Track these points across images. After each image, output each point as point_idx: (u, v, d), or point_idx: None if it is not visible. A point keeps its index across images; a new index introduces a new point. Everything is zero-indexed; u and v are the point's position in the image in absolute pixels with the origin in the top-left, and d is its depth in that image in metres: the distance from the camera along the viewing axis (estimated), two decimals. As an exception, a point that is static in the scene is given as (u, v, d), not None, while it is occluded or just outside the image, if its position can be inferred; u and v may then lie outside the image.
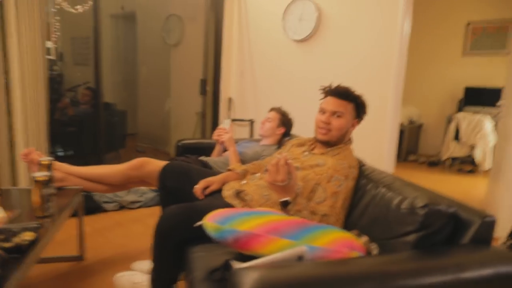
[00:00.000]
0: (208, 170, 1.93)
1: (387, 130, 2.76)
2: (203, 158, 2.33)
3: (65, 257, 2.07)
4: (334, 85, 1.62)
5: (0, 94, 2.39)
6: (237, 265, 1.11)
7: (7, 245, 1.22)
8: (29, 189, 1.92)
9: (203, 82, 3.93)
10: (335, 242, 1.08)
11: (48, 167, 1.74)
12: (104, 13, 3.24)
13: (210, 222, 1.18)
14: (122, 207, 2.91)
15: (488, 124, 4.41)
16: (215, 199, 1.58)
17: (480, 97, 5.13)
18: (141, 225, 2.61)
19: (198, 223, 1.22)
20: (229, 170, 1.82)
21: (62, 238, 2.27)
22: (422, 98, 5.65)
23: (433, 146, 5.59)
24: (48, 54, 3.02)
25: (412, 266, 0.99)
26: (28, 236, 1.31)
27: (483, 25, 5.13)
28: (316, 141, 1.66)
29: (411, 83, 5.03)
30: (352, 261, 1.01)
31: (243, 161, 2.21)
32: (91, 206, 2.75)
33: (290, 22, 3.24)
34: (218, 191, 1.67)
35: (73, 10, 3.18)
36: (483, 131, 4.41)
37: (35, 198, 1.53)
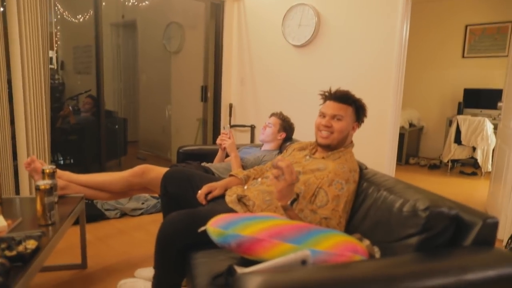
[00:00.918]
0: (210, 176, 1.94)
1: (387, 133, 2.77)
2: (204, 164, 2.34)
3: (68, 265, 2.07)
4: (333, 89, 1.63)
5: (3, 103, 2.41)
6: (240, 270, 1.11)
7: (10, 253, 1.23)
8: (31, 197, 1.93)
9: (204, 89, 3.96)
10: (338, 246, 1.08)
11: (51, 175, 1.75)
12: (105, 21, 3.26)
13: (213, 227, 1.18)
14: (123, 214, 2.91)
15: (488, 126, 4.41)
16: (218, 205, 1.59)
17: (479, 99, 5.14)
18: (143, 232, 2.61)
19: (202, 228, 1.22)
20: (231, 175, 1.83)
21: (65, 246, 2.27)
22: (422, 101, 5.67)
23: (434, 149, 5.59)
24: (50, 63, 3.04)
25: (415, 268, 0.99)
26: (31, 244, 1.31)
27: (482, 27, 5.15)
28: (317, 145, 1.67)
29: (411, 86, 5.06)
30: (356, 264, 1.01)
31: (244, 167, 2.22)
32: (93, 214, 2.76)
33: (290, 28, 3.27)
34: (221, 196, 1.68)
35: (74, 20, 3.21)
36: (484, 133, 4.41)
37: (38, 206, 1.54)
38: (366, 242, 1.22)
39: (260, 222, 1.16)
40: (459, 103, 5.24)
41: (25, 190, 2.55)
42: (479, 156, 4.53)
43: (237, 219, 1.19)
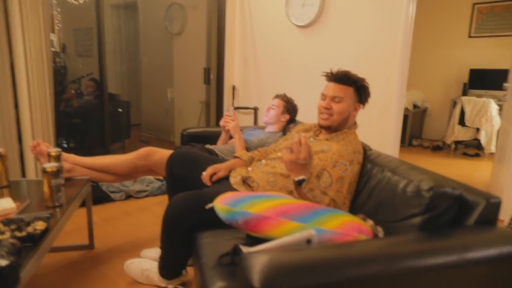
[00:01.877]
0: (215, 158, 1.95)
1: (392, 115, 2.75)
2: (208, 146, 2.35)
3: (76, 246, 2.11)
4: (334, 70, 1.62)
5: (7, 87, 2.41)
6: (246, 249, 1.13)
7: (20, 234, 1.25)
8: (38, 180, 1.96)
9: (207, 71, 3.93)
10: (343, 226, 1.10)
11: (57, 158, 1.76)
12: (105, 3, 3.22)
13: (221, 204, 1.20)
14: (128, 196, 2.94)
15: (493, 107, 4.38)
16: (223, 186, 1.60)
17: (485, 80, 5.08)
18: (148, 213, 2.65)
19: (209, 205, 1.24)
20: (236, 157, 1.84)
21: (72, 228, 2.32)
22: (427, 81, 5.61)
23: (438, 130, 5.56)
24: (52, 46, 3.02)
25: (418, 247, 1.01)
26: (40, 225, 1.34)
27: (490, 5, 5.04)
28: (320, 126, 1.67)
29: (416, 67, 4.99)
30: (360, 243, 1.02)
31: (248, 149, 2.22)
32: (99, 196, 2.79)
33: (293, 8, 3.21)
34: (225, 178, 1.69)
35: (74, 2, 3.16)
36: (488, 114, 4.38)
37: (45, 188, 1.56)
38: (370, 222, 1.23)
39: (267, 200, 1.18)
40: (464, 84, 5.18)
41: (31, 173, 2.58)
42: (482, 137, 4.51)
43: (244, 197, 1.21)
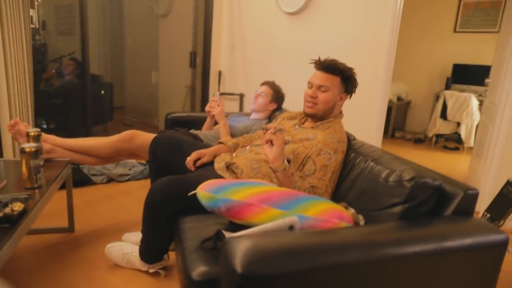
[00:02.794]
0: (199, 143, 1.93)
1: (376, 105, 2.78)
2: (193, 131, 2.33)
3: (55, 229, 2.07)
4: (323, 58, 1.61)
5: (-18, 63, 2.31)
6: (228, 234, 1.13)
7: (-4, 215, 1.22)
8: (15, 160, 1.90)
9: (193, 55, 3.86)
10: (325, 213, 1.11)
11: (36, 138, 1.72)
12: (89, -21, 3.10)
13: (203, 191, 1.20)
14: (110, 180, 2.90)
15: (474, 102, 4.48)
16: (207, 171, 1.59)
17: (467, 75, 5.18)
18: (130, 197, 2.62)
19: (192, 192, 1.23)
20: (220, 143, 1.83)
21: (52, 210, 2.27)
22: (411, 75, 5.68)
23: (420, 123, 5.67)
24: (31, 22, 2.90)
25: (397, 235, 1.03)
26: (17, 206, 1.31)
27: (476, 0, 5.10)
28: (305, 114, 1.68)
29: (401, 59, 5.04)
30: (341, 230, 1.04)
31: (233, 135, 2.22)
32: (80, 179, 2.74)
33: (282, -6, 3.17)
34: (209, 163, 1.68)
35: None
36: (469, 109, 4.49)
37: (24, 169, 1.52)
38: (352, 210, 1.25)
39: (250, 187, 1.18)
40: (447, 78, 5.27)
41: (9, 153, 2.50)
42: (462, 131, 4.62)
43: (227, 184, 1.21)
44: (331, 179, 1.48)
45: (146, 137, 2.09)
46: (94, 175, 2.85)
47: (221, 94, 3.68)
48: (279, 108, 2.45)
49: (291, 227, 1.01)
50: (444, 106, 4.68)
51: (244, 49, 3.60)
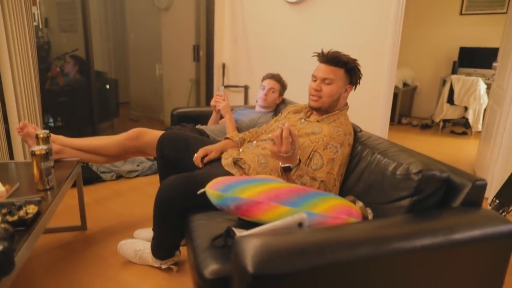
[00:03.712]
0: (206, 139, 1.94)
1: (382, 92, 2.76)
2: (199, 126, 2.34)
3: (68, 227, 2.11)
4: (326, 50, 1.60)
5: (-12, 66, 2.33)
6: (238, 232, 1.15)
7: (11, 219, 1.25)
8: (26, 162, 1.93)
9: (196, 48, 3.85)
10: (333, 209, 1.12)
11: (46, 140, 1.74)
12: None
13: (213, 189, 1.21)
14: (119, 176, 2.94)
15: (481, 86, 4.42)
16: (214, 168, 1.61)
17: (474, 58, 5.10)
18: (140, 193, 2.65)
19: (201, 191, 1.25)
20: (227, 138, 1.84)
21: (64, 209, 2.32)
22: (417, 59, 5.60)
23: (427, 109, 5.62)
24: (34, 20, 2.90)
25: (405, 229, 1.04)
26: (31, 209, 1.33)
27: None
28: (310, 108, 1.68)
29: (406, 44, 4.97)
30: (350, 226, 1.05)
31: (239, 129, 2.22)
32: (89, 177, 2.78)
33: (284, -16, 3.13)
34: (217, 159, 1.70)
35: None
36: (476, 93, 4.43)
37: (35, 172, 1.54)
38: (360, 203, 1.26)
39: (258, 185, 1.19)
40: (454, 62, 5.20)
41: (19, 155, 2.54)
42: (470, 116, 4.58)
43: (235, 182, 1.22)
44: (338, 172, 1.48)
45: (153, 135, 2.11)
46: (103, 172, 2.88)
47: (226, 86, 3.68)
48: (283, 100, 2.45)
49: (300, 224, 1.02)
50: (451, 91, 4.63)
51: (247, 40, 3.58)
